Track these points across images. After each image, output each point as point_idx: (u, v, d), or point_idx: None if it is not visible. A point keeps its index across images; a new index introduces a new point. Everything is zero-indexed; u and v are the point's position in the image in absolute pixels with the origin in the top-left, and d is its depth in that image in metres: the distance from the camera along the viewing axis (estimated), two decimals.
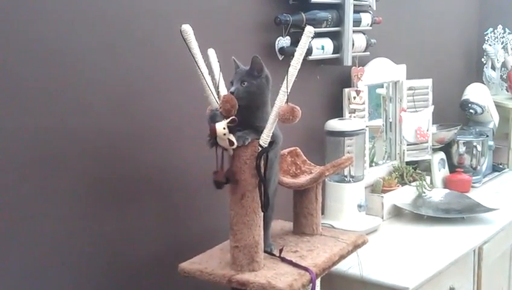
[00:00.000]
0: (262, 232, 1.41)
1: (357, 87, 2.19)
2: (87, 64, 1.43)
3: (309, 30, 1.34)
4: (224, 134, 1.33)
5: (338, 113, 2.17)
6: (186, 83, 1.54)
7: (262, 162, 1.36)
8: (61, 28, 1.37)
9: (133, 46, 1.53)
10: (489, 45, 3.05)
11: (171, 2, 1.60)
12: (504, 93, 3.10)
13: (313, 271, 1.41)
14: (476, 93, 2.82)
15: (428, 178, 2.42)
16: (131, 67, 1.53)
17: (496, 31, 3.07)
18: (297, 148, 1.76)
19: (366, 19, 2.19)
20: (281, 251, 1.49)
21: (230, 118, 1.33)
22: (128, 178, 1.55)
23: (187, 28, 1.34)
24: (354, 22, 2.10)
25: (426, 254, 1.89)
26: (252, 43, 1.86)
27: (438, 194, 2.38)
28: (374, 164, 2.37)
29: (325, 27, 2.02)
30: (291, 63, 1.34)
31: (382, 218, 2.17)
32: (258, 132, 1.37)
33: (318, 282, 1.51)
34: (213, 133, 1.34)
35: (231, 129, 1.34)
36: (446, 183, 2.56)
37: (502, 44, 3.07)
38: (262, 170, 1.36)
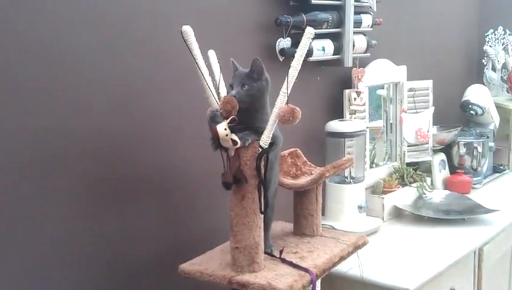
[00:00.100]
0: (262, 233, 1.41)
1: (357, 88, 2.18)
2: (87, 64, 1.43)
3: (309, 31, 1.33)
4: (227, 135, 1.33)
5: (338, 114, 2.17)
6: (186, 83, 1.54)
7: (262, 163, 1.36)
8: (61, 28, 1.37)
9: (133, 46, 1.52)
10: (490, 46, 3.05)
11: (171, 2, 1.60)
12: (504, 95, 3.10)
13: (313, 272, 1.41)
14: (476, 94, 2.82)
15: (428, 179, 2.42)
16: (131, 67, 1.53)
17: (496, 32, 3.07)
18: (297, 149, 1.76)
19: (366, 20, 2.19)
20: (281, 252, 1.48)
21: (230, 118, 1.33)
22: (128, 178, 1.55)
23: (187, 29, 1.34)
24: (354, 23, 2.10)
25: (427, 255, 1.89)
26: (253, 44, 1.86)
27: (438, 196, 2.38)
28: (374, 165, 2.37)
29: (325, 28, 2.02)
30: (292, 64, 1.34)
31: (382, 219, 2.17)
32: (258, 133, 1.37)
33: (318, 283, 1.51)
34: (215, 135, 1.33)
35: (231, 130, 1.34)
36: (446, 185, 2.56)
37: (502, 45, 3.07)
38: (263, 171, 1.36)
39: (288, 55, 1.86)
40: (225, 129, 1.33)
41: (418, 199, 2.33)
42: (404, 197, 2.30)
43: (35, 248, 1.36)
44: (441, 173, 2.58)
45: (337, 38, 2.08)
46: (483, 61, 3.08)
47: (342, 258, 1.54)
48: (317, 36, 1.85)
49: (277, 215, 1.59)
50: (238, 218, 1.38)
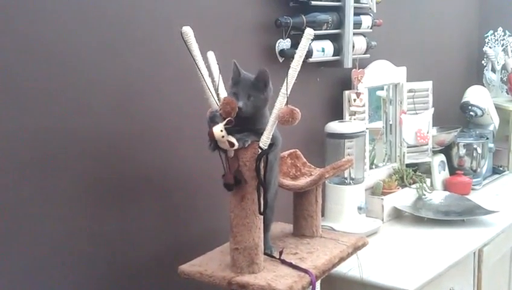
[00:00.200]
0: (262, 235, 1.41)
1: (357, 89, 2.18)
2: (87, 64, 1.43)
3: (309, 32, 1.33)
4: (223, 136, 1.32)
5: (338, 115, 2.17)
6: (186, 83, 1.54)
7: (262, 164, 1.36)
8: (61, 28, 1.37)
9: (133, 46, 1.53)
10: (490, 47, 3.06)
11: (171, 2, 1.61)
12: (504, 96, 3.10)
13: (313, 273, 1.41)
14: (476, 95, 2.82)
15: (428, 180, 2.42)
16: (131, 67, 1.53)
17: (496, 33, 3.07)
18: (297, 150, 1.76)
19: (366, 21, 2.19)
20: (280, 253, 1.48)
21: (226, 119, 1.33)
22: (128, 178, 1.55)
23: (188, 30, 1.34)
24: (354, 24, 2.10)
25: (426, 256, 1.89)
26: (252, 45, 1.86)
27: (438, 197, 2.38)
28: (374, 166, 2.37)
29: (325, 29, 2.02)
30: (292, 65, 1.33)
31: (382, 220, 2.17)
32: (258, 134, 1.37)
33: (318, 284, 1.51)
34: (211, 137, 1.33)
35: (229, 131, 1.33)
36: (446, 186, 2.56)
37: (502, 46, 3.07)
38: (262, 172, 1.36)
39: (288, 56, 1.86)
40: (221, 131, 1.32)
41: (417, 200, 2.33)
42: (403, 198, 2.30)
43: (35, 248, 1.36)
44: (440, 174, 2.58)
45: (336, 40, 2.08)
46: (483, 62, 3.08)
47: (342, 259, 1.54)
48: (317, 37, 1.85)
49: (277, 217, 1.59)
50: (237, 219, 1.38)
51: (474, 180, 2.63)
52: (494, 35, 3.07)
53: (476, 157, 2.66)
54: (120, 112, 1.51)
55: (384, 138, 2.49)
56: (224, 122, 1.33)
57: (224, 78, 1.43)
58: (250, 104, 1.36)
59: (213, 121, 1.35)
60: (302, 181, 1.65)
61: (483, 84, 3.02)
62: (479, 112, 2.78)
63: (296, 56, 1.33)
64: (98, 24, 1.45)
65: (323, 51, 2.02)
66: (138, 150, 1.56)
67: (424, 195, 2.34)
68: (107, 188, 1.50)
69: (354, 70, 2.17)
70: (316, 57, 2.00)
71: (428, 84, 2.51)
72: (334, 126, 2.07)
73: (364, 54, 2.22)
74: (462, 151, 2.67)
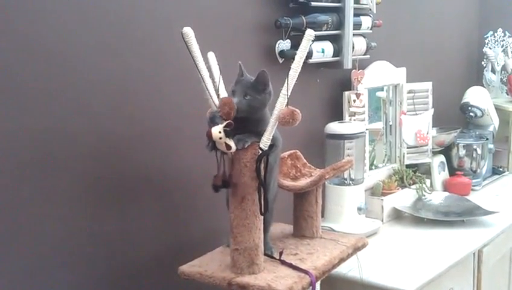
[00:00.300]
0: (262, 235, 1.41)
1: (357, 90, 2.19)
2: (87, 64, 1.43)
3: (309, 33, 1.33)
4: (220, 138, 1.32)
5: (338, 116, 2.17)
6: (186, 84, 1.54)
7: (262, 165, 1.36)
8: (61, 28, 1.37)
9: (133, 46, 1.52)
10: (489, 48, 3.06)
11: (171, 2, 1.61)
12: (504, 97, 3.10)
13: (313, 274, 1.41)
14: (476, 96, 2.82)
15: (428, 181, 2.42)
16: (131, 68, 1.53)
17: (496, 34, 3.08)
18: (297, 151, 1.76)
19: (366, 22, 2.19)
20: (281, 253, 1.48)
21: (226, 122, 1.33)
22: (128, 178, 1.55)
23: (188, 31, 1.34)
24: (354, 25, 2.10)
25: (426, 256, 1.89)
26: (252, 46, 1.86)
27: (437, 197, 2.38)
28: (374, 167, 2.37)
29: (325, 30, 2.02)
30: (292, 66, 1.33)
31: (382, 221, 2.17)
32: (258, 135, 1.37)
33: (318, 285, 1.51)
34: (209, 137, 1.33)
35: (228, 133, 1.33)
36: (446, 186, 2.56)
37: (502, 47, 3.08)
38: (262, 173, 1.36)
39: (288, 57, 1.86)
40: (219, 132, 1.32)
41: (417, 201, 2.33)
42: (403, 199, 2.30)
43: (35, 248, 1.36)
44: (440, 174, 2.58)
45: (336, 41, 2.08)
46: (483, 63, 3.08)
47: (342, 260, 1.54)
48: (317, 38, 1.85)
49: (277, 217, 1.59)
50: (237, 220, 1.38)
51: (473, 181, 2.63)
52: (494, 36, 3.08)
53: (475, 158, 2.66)
54: (120, 112, 1.51)
55: (384, 139, 2.49)
56: (224, 124, 1.33)
57: (224, 79, 1.43)
58: (245, 102, 1.36)
59: (213, 122, 1.35)
60: (302, 182, 1.65)
61: (483, 85, 3.02)
62: (479, 113, 2.79)
63: (296, 57, 1.33)
64: (98, 24, 1.45)
65: (323, 51, 2.02)
66: (138, 150, 1.56)
67: (424, 196, 2.35)
68: (107, 188, 1.50)
69: (353, 71, 2.17)
70: (316, 57, 2.00)
71: (428, 85, 2.51)
72: (334, 127, 2.07)
73: (364, 54, 2.22)
74: (462, 152, 2.67)
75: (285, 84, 1.33)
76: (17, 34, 1.30)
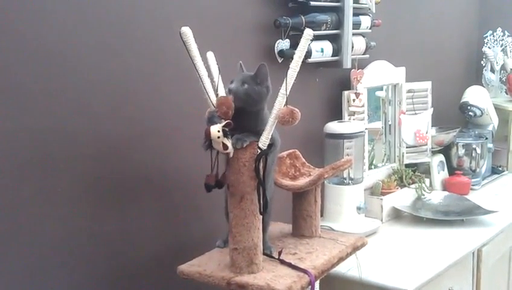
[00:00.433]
0: (261, 235, 1.41)
1: (356, 89, 2.19)
2: (87, 64, 1.43)
3: (308, 33, 1.33)
4: (219, 137, 1.32)
5: (337, 115, 2.17)
6: (186, 83, 1.54)
7: (261, 165, 1.36)
8: (61, 28, 1.38)
9: (133, 46, 1.53)
10: (489, 48, 3.06)
11: (171, 2, 1.61)
12: (503, 96, 3.10)
13: (312, 273, 1.41)
14: (475, 95, 2.82)
15: (427, 180, 2.42)
16: (131, 68, 1.53)
17: (495, 33, 3.08)
18: (296, 150, 1.76)
19: (365, 21, 2.20)
20: (280, 253, 1.49)
21: (225, 122, 1.33)
22: (128, 178, 1.55)
23: (187, 31, 1.34)
24: (353, 24, 2.10)
25: (425, 256, 1.89)
26: (252, 46, 1.87)
27: (437, 197, 2.38)
28: (373, 167, 2.37)
29: (324, 30, 2.02)
30: (291, 66, 1.34)
31: (381, 220, 2.17)
32: (257, 134, 1.37)
33: (317, 284, 1.51)
34: (207, 136, 1.33)
35: (226, 133, 1.33)
36: (445, 186, 2.56)
37: (501, 46, 3.08)
38: (261, 173, 1.36)
39: (287, 56, 1.87)
40: (218, 131, 1.32)
41: (416, 200, 2.33)
42: (402, 198, 2.30)
43: (35, 248, 1.37)
44: (439, 174, 2.58)
45: (335, 40, 2.08)
46: (482, 62, 3.08)
47: (341, 259, 1.54)
48: (316, 38, 1.86)
49: (276, 217, 1.59)
50: (236, 219, 1.38)
51: (473, 180, 2.63)
52: (493, 36, 3.07)
53: (475, 158, 2.66)
54: (120, 112, 1.51)
55: (383, 138, 2.49)
56: (223, 124, 1.33)
57: (223, 78, 1.43)
58: (242, 90, 1.36)
59: (211, 122, 1.35)
60: (301, 181, 1.65)
61: (482, 85, 3.02)
62: (478, 112, 2.79)
63: (295, 56, 1.34)
64: (98, 24, 1.45)
65: (322, 51, 2.02)
66: (138, 150, 1.57)
67: (423, 195, 2.35)
68: (107, 188, 1.50)
69: (353, 70, 2.17)
70: (315, 57, 2.00)
71: (427, 85, 2.51)
72: (333, 126, 2.07)
73: (363, 54, 2.22)
74: (461, 151, 2.67)
75: (284, 84, 1.33)
76: (17, 34, 1.30)
